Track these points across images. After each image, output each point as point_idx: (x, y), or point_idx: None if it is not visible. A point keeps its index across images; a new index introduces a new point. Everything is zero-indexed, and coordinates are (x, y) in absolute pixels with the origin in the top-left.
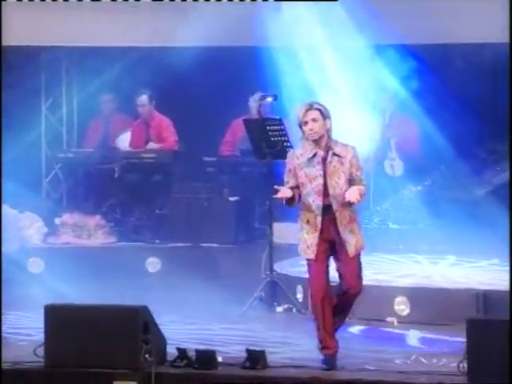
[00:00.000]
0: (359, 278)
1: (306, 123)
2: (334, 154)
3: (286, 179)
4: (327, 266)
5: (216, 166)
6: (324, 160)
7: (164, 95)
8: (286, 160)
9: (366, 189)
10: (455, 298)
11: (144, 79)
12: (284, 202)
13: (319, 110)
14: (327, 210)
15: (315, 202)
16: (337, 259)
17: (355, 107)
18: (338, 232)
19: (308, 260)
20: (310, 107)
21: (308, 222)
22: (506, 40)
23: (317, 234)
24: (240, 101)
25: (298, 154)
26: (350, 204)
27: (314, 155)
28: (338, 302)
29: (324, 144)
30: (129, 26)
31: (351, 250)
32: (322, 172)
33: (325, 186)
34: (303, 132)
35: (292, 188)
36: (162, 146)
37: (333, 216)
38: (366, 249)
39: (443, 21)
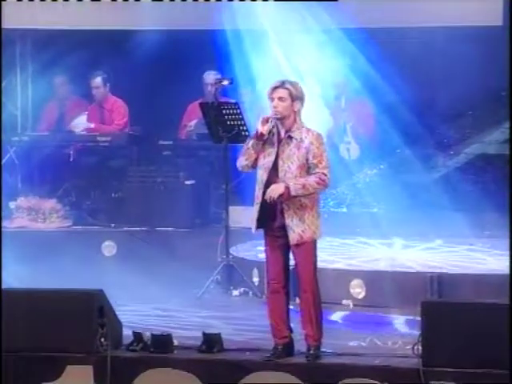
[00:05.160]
0: (308, 271)
1: (272, 100)
2: (290, 137)
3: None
4: (284, 254)
5: (172, 149)
6: (280, 141)
7: (120, 78)
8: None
9: (327, 179)
10: (410, 280)
11: (100, 62)
12: (255, 137)
13: (288, 89)
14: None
15: (262, 176)
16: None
17: (311, 91)
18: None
19: (264, 247)
20: (281, 85)
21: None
22: (458, 23)
23: (257, 207)
24: (196, 84)
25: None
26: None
27: (273, 133)
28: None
29: (287, 125)
30: (85, 9)
31: (293, 237)
32: (275, 151)
33: (276, 166)
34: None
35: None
36: (109, 129)
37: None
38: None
39: (401, 4)
